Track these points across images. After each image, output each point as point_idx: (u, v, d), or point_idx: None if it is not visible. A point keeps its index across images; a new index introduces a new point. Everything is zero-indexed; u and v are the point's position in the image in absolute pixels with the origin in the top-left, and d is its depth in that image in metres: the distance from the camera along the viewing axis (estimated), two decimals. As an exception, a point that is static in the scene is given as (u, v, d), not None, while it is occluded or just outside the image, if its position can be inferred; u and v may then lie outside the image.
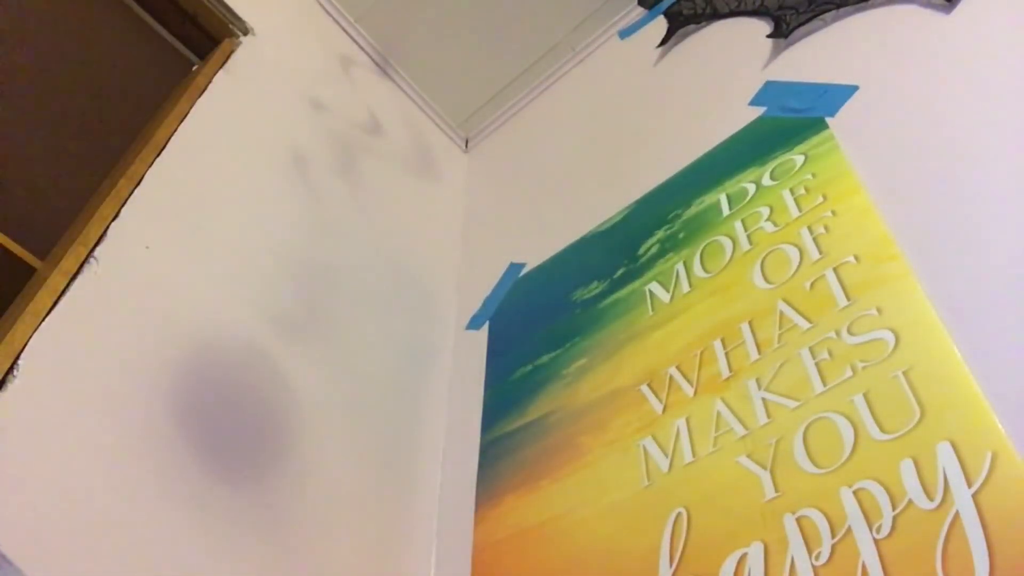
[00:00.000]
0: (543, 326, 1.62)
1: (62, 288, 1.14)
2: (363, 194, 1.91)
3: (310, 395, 1.42)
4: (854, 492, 0.97)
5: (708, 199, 1.50)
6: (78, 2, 1.97)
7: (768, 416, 1.12)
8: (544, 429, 1.42)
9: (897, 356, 1.04)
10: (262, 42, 1.87)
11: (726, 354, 1.24)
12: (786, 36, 1.65)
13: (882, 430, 0.99)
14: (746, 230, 1.38)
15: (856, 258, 1.18)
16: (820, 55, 1.58)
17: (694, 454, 1.17)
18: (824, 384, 1.08)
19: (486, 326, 1.76)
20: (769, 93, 1.57)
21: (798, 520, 0.99)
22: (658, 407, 1.27)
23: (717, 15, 1.89)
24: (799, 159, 1.40)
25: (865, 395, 1.03)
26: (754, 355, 1.20)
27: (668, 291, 1.42)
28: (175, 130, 1.48)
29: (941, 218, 1.14)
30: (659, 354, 1.34)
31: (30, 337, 1.06)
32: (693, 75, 1.87)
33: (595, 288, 1.58)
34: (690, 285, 1.39)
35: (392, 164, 2.12)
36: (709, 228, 1.45)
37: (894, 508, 0.92)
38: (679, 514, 1.12)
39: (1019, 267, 1.02)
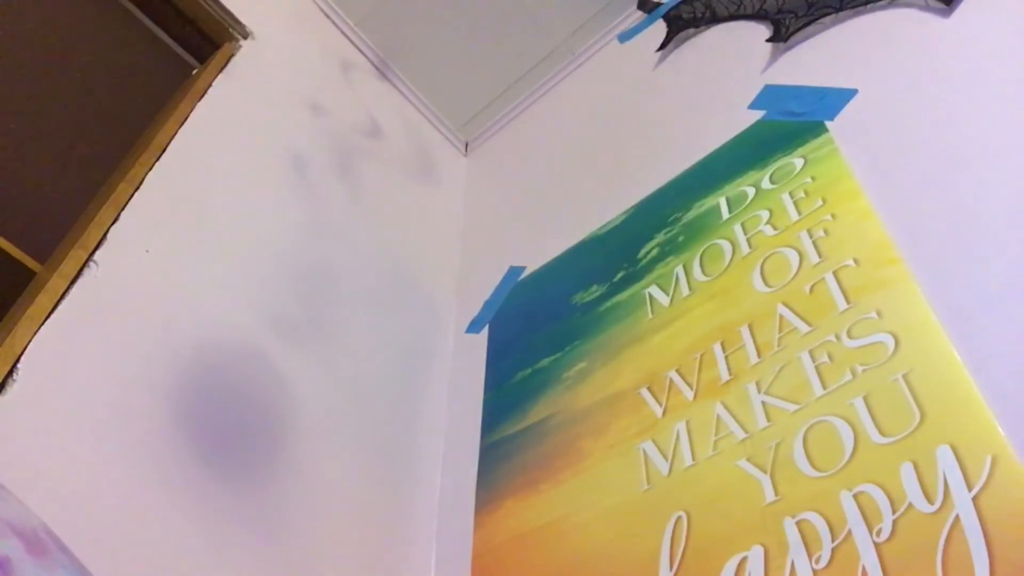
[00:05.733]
0: (543, 329, 1.62)
1: (62, 292, 1.14)
2: (363, 198, 1.91)
3: (310, 398, 1.42)
4: (854, 495, 0.96)
5: (708, 202, 1.50)
6: (78, 6, 1.98)
7: (768, 419, 1.12)
8: (544, 432, 1.42)
9: (897, 359, 1.04)
10: (262, 46, 1.88)
11: (726, 357, 1.24)
12: (785, 40, 1.65)
13: (882, 433, 0.99)
14: (746, 233, 1.38)
15: (856, 261, 1.18)
16: (819, 59, 1.58)
17: (694, 458, 1.17)
18: (824, 387, 1.08)
19: (486, 329, 1.76)
20: (768, 97, 1.57)
21: (798, 524, 0.99)
22: (658, 410, 1.27)
23: (716, 19, 1.90)
24: (798, 162, 1.40)
25: (865, 398, 1.03)
26: (754, 358, 1.20)
27: (668, 294, 1.42)
28: (175, 134, 1.48)
29: (941, 221, 1.14)
30: (659, 357, 1.34)
31: (30, 340, 1.07)
32: (692, 79, 1.87)
33: (595, 291, 1.58)
34: (690, 288, 1.39)
35: (392, 168, 2.12)
36: (709, 231, 1.45)
37: (894, 511, 0.92)
38: (679, 518, 1.12)
39: (1019, 270, 1.02)
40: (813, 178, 1.35)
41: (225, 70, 1.73)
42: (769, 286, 1.27)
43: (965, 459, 0.91)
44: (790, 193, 1.36)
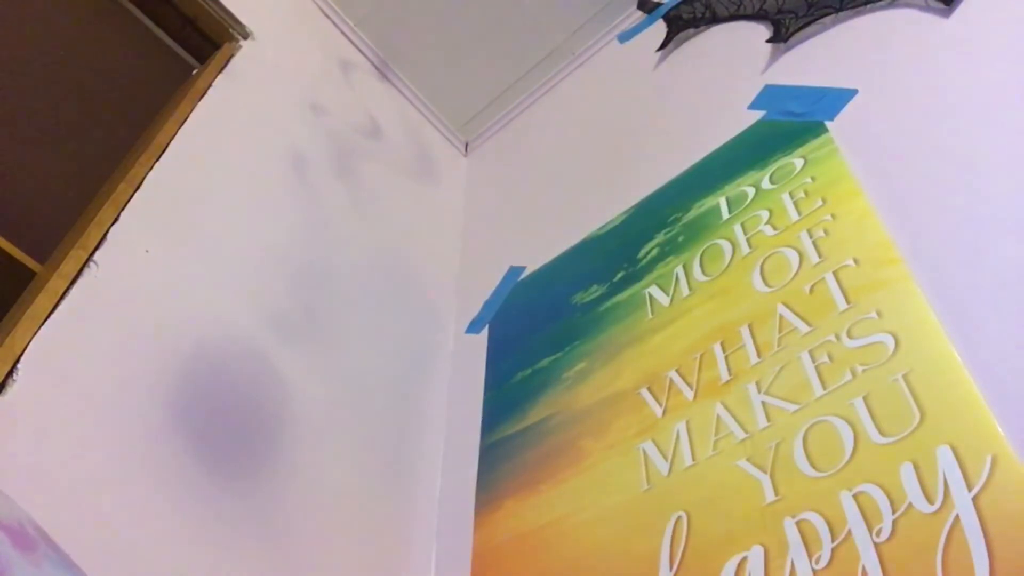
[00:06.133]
0: (543, 330, 1.62)
1: (62, 292, 1.14)
2: (363, 198, 1.91)
3: (309, 399, 1.42)
4: (854, 495, 0.96)
5: (708, 202, 1.50)
6: (78, 7, 1.98)
7: (768, 419, 1.12)
8: (544, 433, 1.42)
9: (897, 359, 1.04)
10: (262, 46, 1.88)
11: (726, 357, 1.24)
12: (785, 40, 1.65)
13: (882, 433, 0.99)
14: (746, 233, 1.38)
15: (856, 261, 1.18)
16: (819, 59, 1.58)
17: (694, 458, 1.17)
18: (824, 387, 1.08)
19: (486, 330, 1.76)
20: (768, 97, 1.57)
21: (798, 524, 0.99)
22: (658, 410, 1.27)
23: (716, 19, 1.90)
24: (798, 163, 1.40)
25: (865, 398, 1.03)
26: (754, 358, 1.20)
27: (668, 294, 1.42)
28: (175, 134, 1.48)
29: (941, 221, 1.14)
30: (659, 357, 1.34)
31: (30, 341, 1.07)
32: (692, 79, 1.87)
33: (595, 291, 1.58)
34: (690, 288, 1.39)
35: (392, 168, 2.12)
36: (709, 231, 1.45)
37: (894, 511, 0.92)
38: (679, 518, 1.12)
39: (1019, 270, 1.02)
40: (813, 178, 1.35)
41: (225, 70, 1.72)
42: (769, 286, 1.27)
43: (965, 459, 0.91)
44: (790, 193, 1.36)
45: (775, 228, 1.34)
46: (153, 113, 1.63)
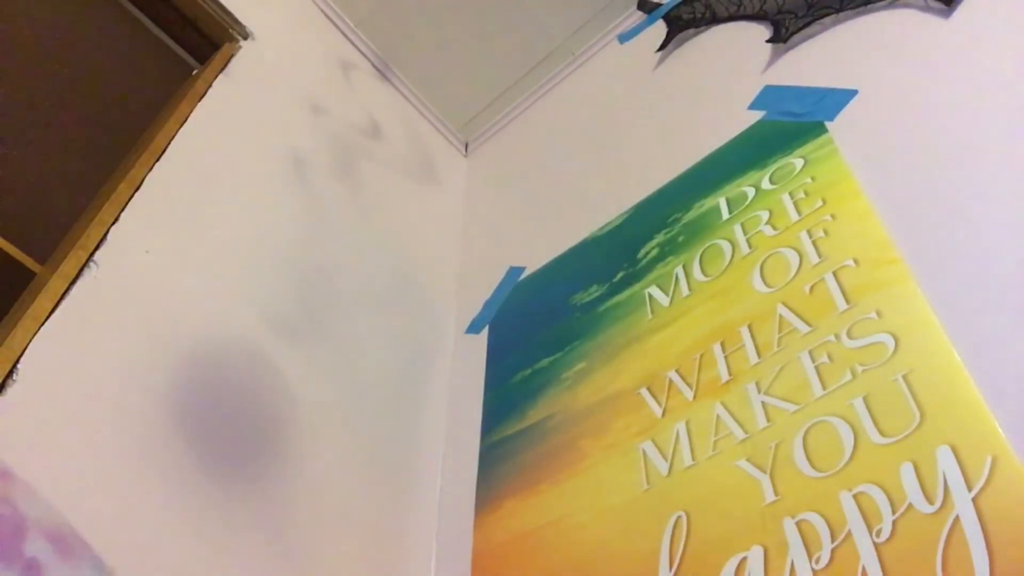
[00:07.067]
0: (543, 330, 1.62)
1: (62, 292, 1.14)
2: (363, 198, 1.91)
3: (310, 399, 1.42)
4: (854, 496, 0.96)
5: (708, 203, 1.50)
6: (78, 7, 1.98)
7: (768, 420, 1.12)
8: (544, 433, 1.42)
9: (897, 359, 1.04)
10: (262, 46, 1.88)
11: (725, 358, 1.24)
12: (785, 41, 1.65)
13: (882, 434, 0.99)
14: (745, 234, 1.38)
15: (855, 262, 1.18)
16: (819, 59, 1.58)
17: (694, 458, 1.17)
18: (824, 387, 1.08)
19: (486, 330, 1.76)
20: (768, 97, 1.57)
21: (798, 524, 0.99)
22: (658, 411, 1.27)
23: (716, 20, 1.90)
24: (798, 163, 1.40)
25: (865, 398, 1.03)
26: (754, 359, 1.20)
27: (667, 295, 1.42)
28: (175, 134, 1.49)
29: (941, 221, 1.14)
30: (658, 358, 1.34)
31: (30, 341, 1.07)
32: (692, 79, 1.87)
33: (594, 292, 1.58)
34: (690, 289, 1.39)
35: (392, 168, 2.12)
36: (709, 232, 1.45)
37: (894, 512, 0.92)
38: (679, 518, 1.12)
39: (1019, 270, 1.02)
40: (813, 178, 1.35)
41: (225, 71, 1.73)
42: (769, 286, 1.27)
43: (965, 459, 0.91)
44: (790, 193, 1.36)
45: (775, 228, 1.34)
46: (153, 113, 1.63)
